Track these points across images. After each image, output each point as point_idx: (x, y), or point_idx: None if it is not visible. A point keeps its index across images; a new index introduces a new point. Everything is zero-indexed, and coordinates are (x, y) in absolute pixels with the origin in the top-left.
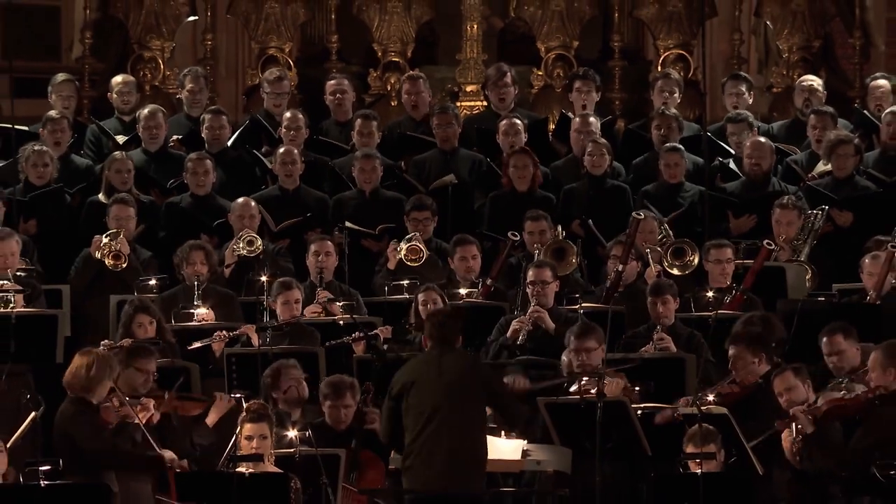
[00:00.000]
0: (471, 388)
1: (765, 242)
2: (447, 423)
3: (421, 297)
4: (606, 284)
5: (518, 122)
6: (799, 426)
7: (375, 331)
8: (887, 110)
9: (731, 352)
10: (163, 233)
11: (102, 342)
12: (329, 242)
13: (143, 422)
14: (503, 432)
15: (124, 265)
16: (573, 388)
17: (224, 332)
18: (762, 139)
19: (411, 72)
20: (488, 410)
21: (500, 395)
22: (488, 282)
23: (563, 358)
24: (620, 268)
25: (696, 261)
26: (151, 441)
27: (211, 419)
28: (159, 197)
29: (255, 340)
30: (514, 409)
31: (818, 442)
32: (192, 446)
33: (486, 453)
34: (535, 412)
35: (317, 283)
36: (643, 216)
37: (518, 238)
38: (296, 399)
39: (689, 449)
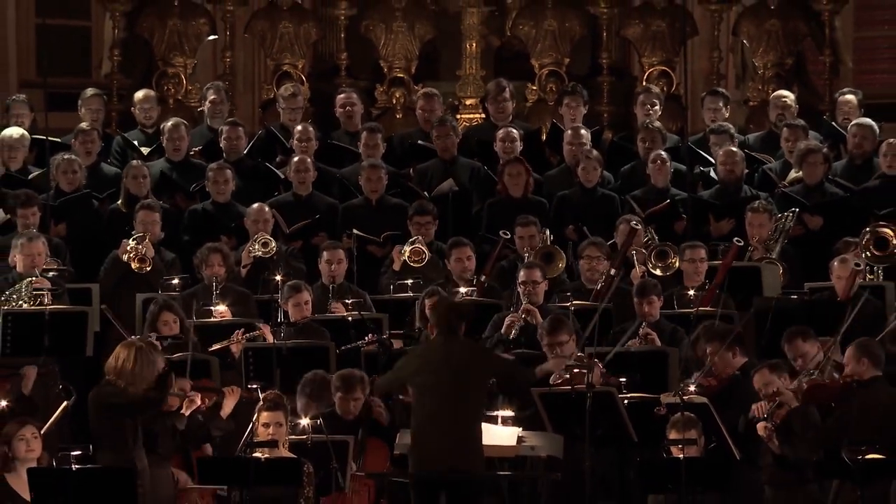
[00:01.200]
0: (474, 373)
1: (734, 240)
2: (451, 407)
3: (428, 301)
4: (597, 286)
5: (514, 132)
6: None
7: (384, 336)
8: (853, 122)
9: (707, 348)
10: (186, 236)
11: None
12: (340, 251)
13: (186, 410)
14: (500, 420)
15: (148, 268)
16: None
17: (241, 333)
18: (734, 148)
19: (426, 89)
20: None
21: (505, 368)
22: (482, 278)
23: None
24: (613, 272)
25: (678, 263)
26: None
27: (225, 411)
28: (184, 201)
29: (270, 338)
30: (520, 377)
31: (800, 422)
32: (209, 435)
33: (480, 438)
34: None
35: (329, 287)
36: (639, 226)
37: (509, 236)
38: None
39: (672, 435)
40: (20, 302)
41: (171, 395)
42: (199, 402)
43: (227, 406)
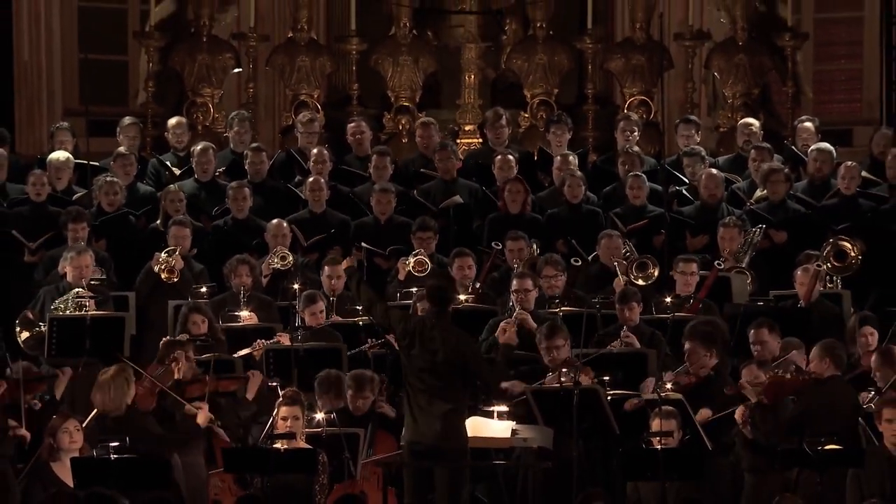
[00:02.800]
0: (458, 362)
1: (716, 263)
2: (438, 390)
3: (419, 304)
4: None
5: (511, 156)
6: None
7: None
8: (812, 147)
9: (686, 346)
10: (210, 249)
11: (164, 339)
12: (338, 267)
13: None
14: (496, 414)
15: (176, 279)
16: (549, 376)
17: (262, 341)
18: (715, 172)
19: (423, 118)
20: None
21: (479, 366)
22: (477, 285)
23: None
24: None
25: (657, 273)
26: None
27: (250, 394)
28: (207, 222)
29: (286, 343)
30: (489, 376)
31: (772, 413)
32: (238, 418)
33: (464, 418)
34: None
35: (330, 298)
36: (603, 239)
37: (501, 247)
38: None
39: (654, 426)
40: (67, 310)
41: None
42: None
43: (251, 389)
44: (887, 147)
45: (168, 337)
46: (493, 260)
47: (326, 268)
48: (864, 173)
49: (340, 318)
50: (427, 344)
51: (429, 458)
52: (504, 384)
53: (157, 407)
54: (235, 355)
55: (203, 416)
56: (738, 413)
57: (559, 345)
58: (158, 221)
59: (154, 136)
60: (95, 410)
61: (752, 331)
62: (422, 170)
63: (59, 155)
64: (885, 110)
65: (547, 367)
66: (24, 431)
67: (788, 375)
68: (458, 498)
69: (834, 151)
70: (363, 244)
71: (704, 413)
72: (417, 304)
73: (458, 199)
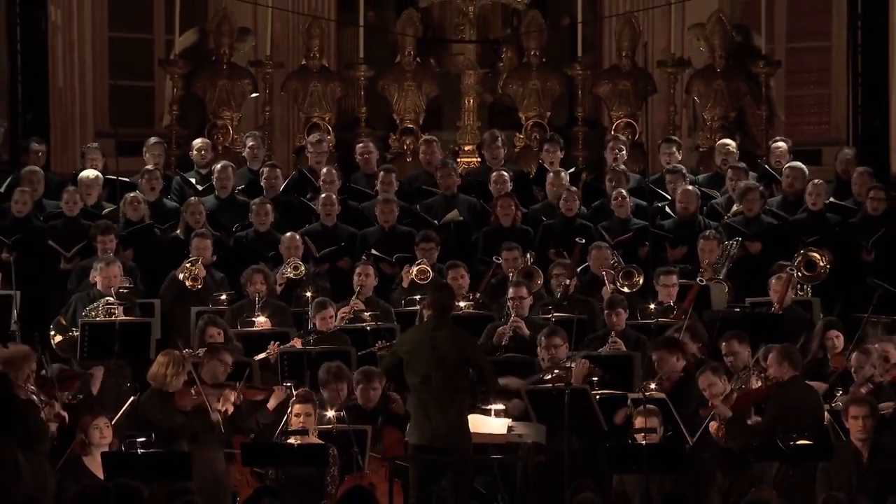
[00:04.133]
0: (457, 361)
1: (697, 280)
2: (438, 390)
3: (425, 312)
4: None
5: (505, 174)
6: (720, 414)
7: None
8: (786, 165)
9: (654, 357)
10: (232, 260)
11: (185, 350)
12: (370, 267)
13: (223, 408)
14: (493, 412)
15: (199, 286)
16: (548, 376)
17: (276, 345)
18: (690, 188)
19: (426, 136)
20: None
21: (481, 365)
22: (476, 294)
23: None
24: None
25: (641, 281)
26: (220, 423)
27: (271, 405)
28: (226, 237)
29: (299, 346)
30: (490, 377)
31: (738, 424)
32: (257, 424)
33: (466, 412)
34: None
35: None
36: (593, 250)
37: (500, 260)
38: None
39: (637, 423)
40: (98, 316)
41: (180, 395)
42: (233, 399)
43: (273, 401)
44: (850, 166)
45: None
46: (493, 272)
47: (358, 267)
48: (831, 199)
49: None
50: (433, 348)
51: (435, 457)
52: (502, 381)
53: (192, 410)
54: (254, 358)
55: (275, 398)
56: (713, 428)
57: (558, 344)
58: (178, 231)
59: (178, 156)
60: (125, 407)
61: (724, 343)
62: (424, 186)
63: (90, 173)
64: (852, 132)
65: (550, 366)
66: (62, 411)
67: (753, 386)
68: (465, 493)
69: (806, 169)
70: (372, 251)
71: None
72: (424, 311)
73: (456, 214)
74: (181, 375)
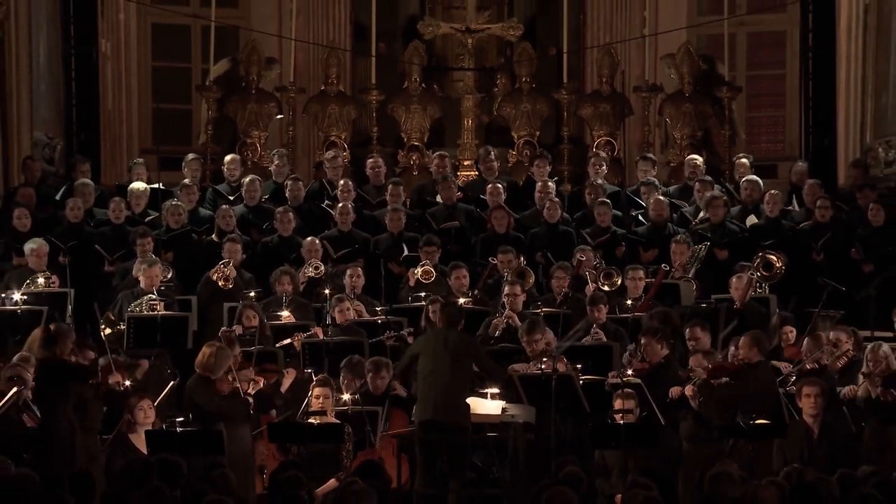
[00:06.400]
0: (464, 357)
1: (662, 265)
2: (444, 377)
3: (430, 307)
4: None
5: (499, 186)
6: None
7: (402, 332)
8: (744, 178)
9: (642, 340)
10: (260, 261)
11: (222, 328)
12: (360, 269)
13: (251, 390)
14: (489, 395)
15: (230, 286)
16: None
17: (300, 334)
18: (662, 198)
19: (440, 151)
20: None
21: (483, 362)
22: (475, 292)
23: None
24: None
25: (620, 281)
26: (250, 401)
27: (284, 387)
28: (258, 234)
29: (320, 335)
30: (493, 371)
31: (708, 387)
32: (274, 405)
33: (466, 398)
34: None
35: (350, 296)
36: (585, 257)
37: (495, 262)
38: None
39: (617, 405)
40: (142, 311)
41: (219, 381)
42: (261, 384)
43: (286, 383)
44: (803, 177)
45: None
46: (489, 272)
47: (348, 269)
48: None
49: (366, 314)
50: (444, 347)
51: (438, 433)
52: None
53: (229, 394)
54: (278, 345)
55: (287, 380)
56: (688, 389)
57: (537, 339)
58: (213, 235)
59: (212, 170)
60: (165, 391)
61: (688, 329)
62: (426, 198)
63: (138, 185)
64: (804, 148)
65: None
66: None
67: (728, 362)
68: (463, 464)
69: (762, 182)
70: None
71: (675, 390)
72: (429, 307)
73: (455, 223)
74: (225, 364)
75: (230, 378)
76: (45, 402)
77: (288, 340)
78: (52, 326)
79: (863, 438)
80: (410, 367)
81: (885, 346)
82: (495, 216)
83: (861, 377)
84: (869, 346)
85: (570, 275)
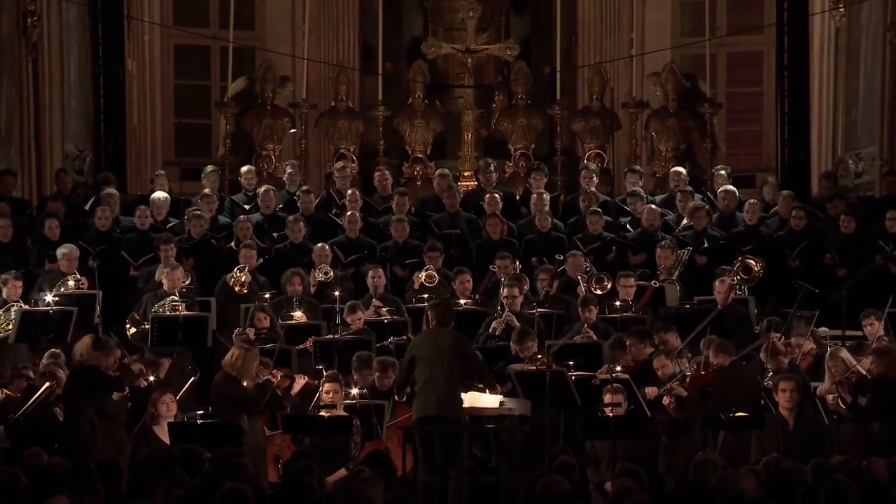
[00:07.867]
0: (455, 357)
1: (652, 283)
2: (438, 377)
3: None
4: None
5: (497, 195)
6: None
7: (403, 337)
8: (720, 189)
9: (627, 341)
10: (273, 266)
11: (236, 329)
12: (381, 269)
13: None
14: (487, 391)
15: (245, 290)
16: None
17: (313, 338)
18: (654, 207)
19: (442, 171)
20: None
21: (472, 362)
22: (476, 296)
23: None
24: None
25: (610, 285)
26: (278, 393)
27: (295, 391)
28: (271, 243)
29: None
30: (480, 371)
31: (691, 401)
32: (286, 406)
33: (461, 396)
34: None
35: (373, 295)
36: (570, 258)
37: (495, 269)
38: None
39: (606, 399)
40: (165, 312)
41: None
42: (277, 378)
43: (297, 387)
44: (775, 192)
45: (240, 328)
46: (490, 278)
47: (370, 271)
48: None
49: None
50: (434, 343)
51: (434, 426)
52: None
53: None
54: (296, 347)
55: (297, 385)
56: (666, 402)
57: (528, 346)
58: (232, 243)
59: (230, 180)
60: (186, 386)
61: (656, 335)
62: (429, 212)
63: (160, 195)
64: (780, 161)
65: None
66: (140, 366)
67: (702, 371)
68: (459, 454)
69: (737, 192)
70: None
71: (652, 391)
72: (428, 312)
73: (456, 230)
74: (252, 365)
75: (255, 375)
76: (70, 402)
77: (302, 345)
78: (102, 337)
79: (841, 436)
80: (410, 374)
81: (844, 352)
82: (490, 224)
83: (827, 378)
84: (828, 354)
85: (551, 276)
